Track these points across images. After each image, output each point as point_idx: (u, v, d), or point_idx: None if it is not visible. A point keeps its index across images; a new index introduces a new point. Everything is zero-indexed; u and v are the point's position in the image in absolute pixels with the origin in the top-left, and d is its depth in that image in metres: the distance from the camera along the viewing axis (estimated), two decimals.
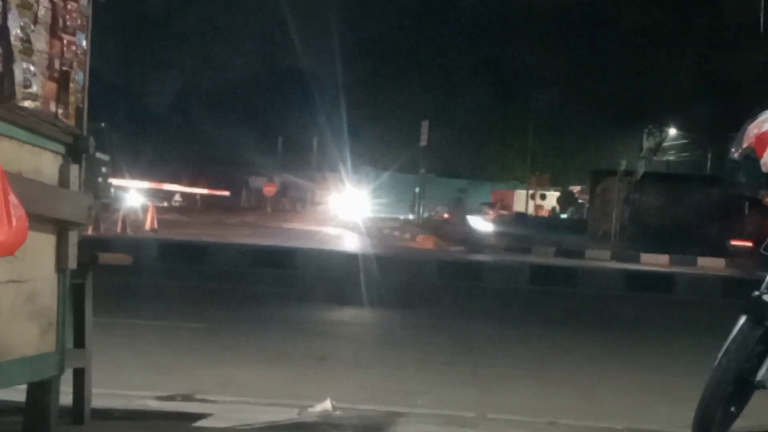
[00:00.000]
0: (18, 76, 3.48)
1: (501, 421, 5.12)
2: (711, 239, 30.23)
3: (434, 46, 54.36)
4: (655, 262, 24.98)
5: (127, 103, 47.92)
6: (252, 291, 12.52)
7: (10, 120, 3.44)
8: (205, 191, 51.15)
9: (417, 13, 53.67)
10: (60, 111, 3.81)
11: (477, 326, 9.66)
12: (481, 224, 31.52)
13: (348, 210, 40.10)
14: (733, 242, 26.19)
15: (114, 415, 4.56)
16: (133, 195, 30.51)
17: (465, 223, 31.09)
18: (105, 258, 4.35)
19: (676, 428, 4.98)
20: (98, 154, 24.63)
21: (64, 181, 3.83)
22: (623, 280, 16.74)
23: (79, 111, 3.98)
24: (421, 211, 40.42)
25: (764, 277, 4.34)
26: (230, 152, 51.43)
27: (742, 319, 4.28)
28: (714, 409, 4.22)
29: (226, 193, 52.64)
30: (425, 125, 39.64)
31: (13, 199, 3.05)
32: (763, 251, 4.80)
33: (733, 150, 4.51)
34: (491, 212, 46.28)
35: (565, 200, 49.43)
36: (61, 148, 3.85)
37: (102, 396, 4.62)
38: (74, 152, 3.93)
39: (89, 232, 16.16)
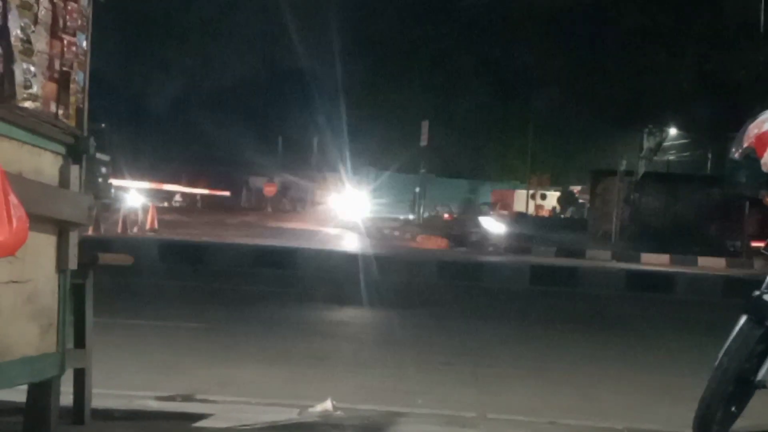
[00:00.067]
0: (18, 76, 3.48)
1: (501, 421, 5.12)
2: (711, 239, 30.24)
3: (434, 46, 54.34)
4: (655, 261, 24.98)
5: (127, 104, 47.89)
6: (252, 291, 12.52)
7: (10, 120, 3.44)
8: (205, 191, 51.17)
9: (417, 13, 53.67)
10: (60, 111, 3.81)
11: (477, 326, 9.66)
12: (494, 225, 31.44)
13: (348, 210, 40.10)
14: (754, 243, 26.17)
15: (114, 415, 4.56)
16: (134, 195, 30.49)
17: (477, 224, 30.98)
18: (105, 258, 4.35)
19: (676, 428, 4.98)
20: (98, 155, 24.61)
21: (64, 181, 3.83)
22: (624, 280, 16.74)
23: (79, 111, 3.98)
24: (421, 211, 40.41)
25: (764, 277, 4.34)
26: (230, 152, 51.42)
27: (743, 319, 4.28)
28: (715, 408, 4.23)
29: (227, 193, 52.67)
30: (425, 125, 39.66)
31: (13, 199, 3.05)
32: (763, 251, 4.81)
33: (733, 150, 4.51)
34: (507, 212, 46.03)
35: (566, 200, 49.38)
36: (62, 149, 3.85)
37: (102, 396, 4.62)
38: (74, 153, 3.93)
39: (90, 232, 16.17)
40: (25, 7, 3.50)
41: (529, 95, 48.81)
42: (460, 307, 12.05)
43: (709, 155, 40.89)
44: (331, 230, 31.17)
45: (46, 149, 3.73)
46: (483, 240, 27.54)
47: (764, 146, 4.34)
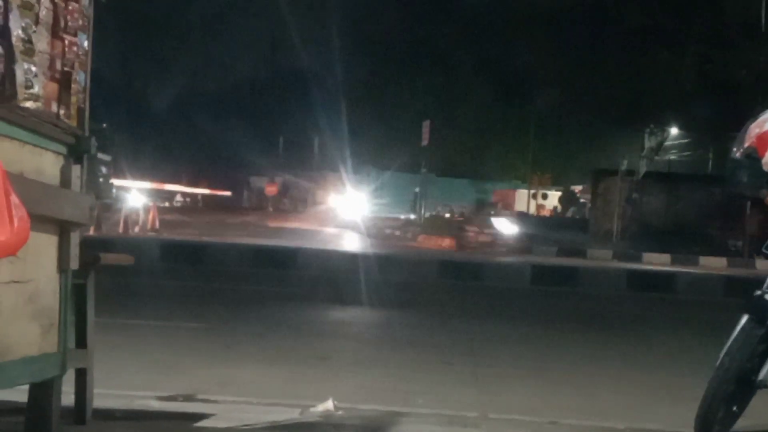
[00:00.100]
0: (19, 76, 3.48)
1: (502, 420, 5.11)
2: (712, 238, 30.25)
3: (435, 45, 54.33)
4: (656, 261, 24.99)
5: (128, 104, 47.93)
6: (253, 291, 12.52)
7: (11, 120, 3.44)
8: (206, 191, 51.23)
9: (418, 12, 53.69)
10: (61, 111, 3.81)
11: (477, 326, 9.66)
12: (507, 226, 31.38)
13: (349, 210, 40.13)
14: None
15: (115, 415, 4.56)
16: (135, 195, 30.53)
17: (490, 225, 30.90)
18: (106, 258, 4.35)
19: (677, 428, 4.98)
20: (100, 155, 24.66)
21: (65, 181, 3.83)
22: (625, 280, 16.74)
23: (80, 111, 3.98)
24: (422, 211, 40.42)
25: (766, 277, 4.34)
26: (231, 152, 51.47)
27: (744, 319, 4.28)
28: (716, 408, 4.23)
29: (228, 193, 52.72)
30: (426, 125, 39.66)
31: (14, 199, 3.05)
32: (764, 250, 4.81)
33: (734, 149, 4.52)
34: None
35: (567, 200, 49.35)
36: (63, 149, 3.85)
37: (103, 396, 4.62)
38: (76, 153, 3.93)
39: (91, 232, 16.17)
40: (26, 7, 3.50)
41: (531, 95, 48.82)
42: (461, 307, 12.05)
43: (710, 155, 40.91)
44: (332, 230, 31.18)
45: (47, 149, 3.73)
46: (496, 241, 27.50)
47: (765, 146, 4.34)
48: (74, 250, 3.88)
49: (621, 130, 44.24)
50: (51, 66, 3.70)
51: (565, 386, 6.45)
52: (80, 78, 3.94)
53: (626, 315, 12.57)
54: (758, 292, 4.29)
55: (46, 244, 3.72)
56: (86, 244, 4.09)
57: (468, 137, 54.04)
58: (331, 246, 21.70)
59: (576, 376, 6.92)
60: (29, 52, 3.53)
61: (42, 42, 3.62)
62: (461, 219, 35.62)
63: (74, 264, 3.90)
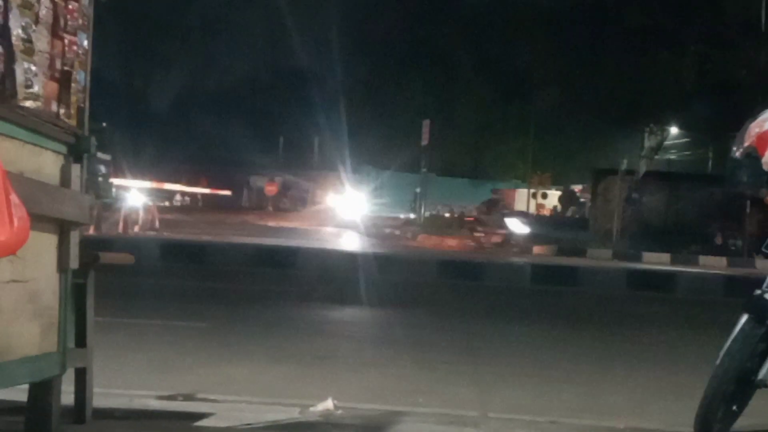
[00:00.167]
0: (19, 76, 3.48)
1: (502, 419, 5.11)
2: (712, 238, 30.25)
3: (435, 45, 54.27)
4: (656, 260, 25.01)
5: (128, 103, 47.92)
6: (253, 290, 12.53)
7: (11, 120, 3.43)
8: (206, 191, 51.23)
9: (417, 12, 53.65)
10: (61, 111, 3.81)
11: (478, 325, 9.66)
12: (519, 226, 31.41)
13: (349, 209, 40.14)
14: None
15: (115, 414, 4.56)
16: (135, 194, 30.52)
17: (503, 225, 30.90)
18: (106, 258, 4.34)
19: (677, 427, 4.98)
20: (99, 154, 24.66)
21: (65, 181, 3.83)
22: (625, 279, 16.76)
23: (80, 111, 3.98)
24: (422, 210, 40.42)
25: (765, 276, 4.34)
26: (231, 152, 51.43)
27: (744, 318, 4.28)
28: (716, 407, 4.23)
29: (228, 192, 52.70)
30: (426, 124, 39.67)
31: (14, 199, 3.05)
32: (764, 250, 4.81)
33: (734, 149, 4.52)
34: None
35: (567, 199, 49.35)
36: (63, 148, 3.85)
37: (103, 395, 4.62)
38: (76, 152, 3.93)
39: (90, 231, 16.17)
40: (26, 6, 3.50)
41: (530, 94, 48.78)
42: (461, 306, 12.05)
43: (710, 154, 40.92)
44: (331, 229, 31.19)
45: (47, 149, 3.73)
46: (509, 240, 27.52)
47: (765, 145, 4.34)
48: (74, 250, 3.88)
49: (621, 130, 44.22)
50: (51, 65, 3.70)
51: (565, 385, 6.45)
52: (80, 77, 3.94)
53: (626, 314, 12.57)
54: (758, 292, 4.29)
55: (46, 244, 3.72)
56: (86, 243, 4.09)
57: (468, 137, 53.98)
58: (330, 245, 21.71)
59: (577, 375, 6.92)
60: (29, 51, 3.53)
61: (42, 41, 3.62)
62: (472, 219, 35.59)
63: (74, 263, 3.90)
